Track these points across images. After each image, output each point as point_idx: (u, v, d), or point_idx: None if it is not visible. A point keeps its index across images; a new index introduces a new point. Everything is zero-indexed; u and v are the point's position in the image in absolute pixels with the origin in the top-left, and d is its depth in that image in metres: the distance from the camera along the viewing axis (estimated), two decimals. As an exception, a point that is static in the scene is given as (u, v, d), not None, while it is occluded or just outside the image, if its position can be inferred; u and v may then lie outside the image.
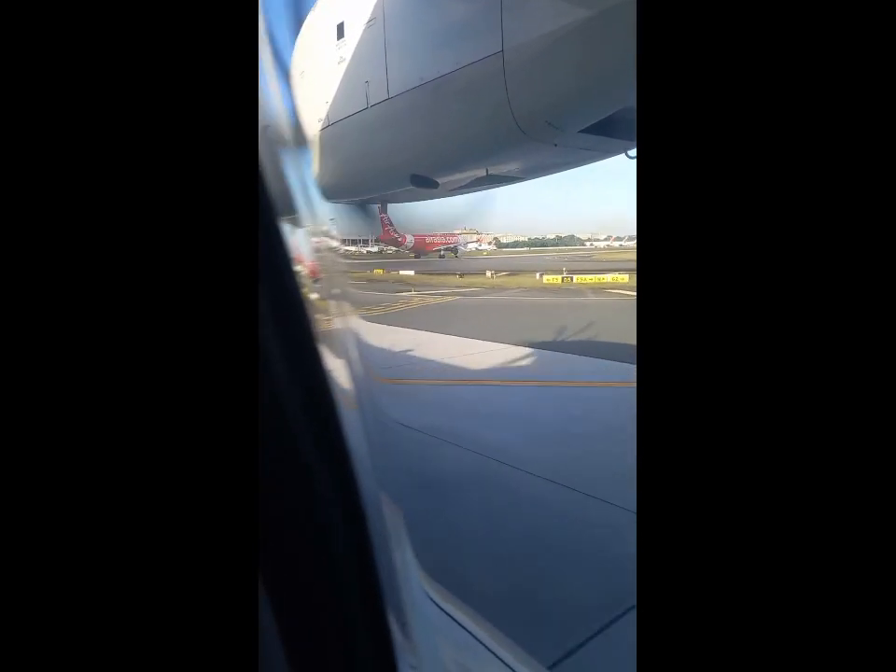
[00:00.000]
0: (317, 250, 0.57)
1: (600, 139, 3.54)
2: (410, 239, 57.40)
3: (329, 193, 4.92)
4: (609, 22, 2.84)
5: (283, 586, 0.51)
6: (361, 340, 0.62)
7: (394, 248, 60.46)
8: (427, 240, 59.40)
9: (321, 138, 4.42)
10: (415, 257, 57.30)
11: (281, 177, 0.53)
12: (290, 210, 0.53)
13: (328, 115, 4.28)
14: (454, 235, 63.04)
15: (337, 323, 0.57)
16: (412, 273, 33.49)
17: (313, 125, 4.46)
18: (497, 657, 0.85)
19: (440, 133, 3.81)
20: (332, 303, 0.57)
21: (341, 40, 4.07)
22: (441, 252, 59.17)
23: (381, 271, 35.52)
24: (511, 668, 0.84)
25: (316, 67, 4.36)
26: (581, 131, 3.41)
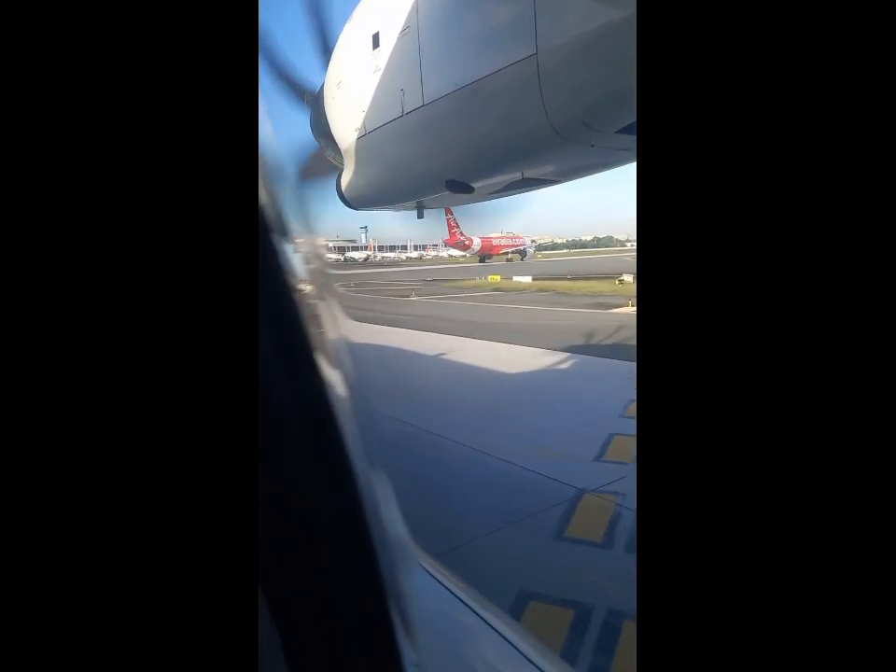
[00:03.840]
0: (308, 261, 0.58)
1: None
2: (476, 242, 56.56)
3: (366, 201, 5.00)
4: None
5: (281, 584, 0.51)
6: (353, 347, 0.64)
7: (461, 252, 59.47)
8: (494, 242, 58.40)
9: (358, 147, 4.50)
10: (480, 261, 56.21)
11: (273, 193, 0.54)
12: (284, 226, 0.54)
13: (364, 124, 4.35)
14: (519, 237, 61.83)
15: (330, 333, 0.58)
16: (529, 279, 28.67)
17: (350, 135, 4.54)
18: (509, 641, 0.83)
19: (475, 138, 3.82)
20: (325, 313, 0.58)
21: (376, 50, 4.13)
22: (509, 255, 58.01)
23: (497, 277, 31.21)
24: (520, 652, 0.82)
25: (353, 77, 4.44)
26: (618, 131, 3.36)
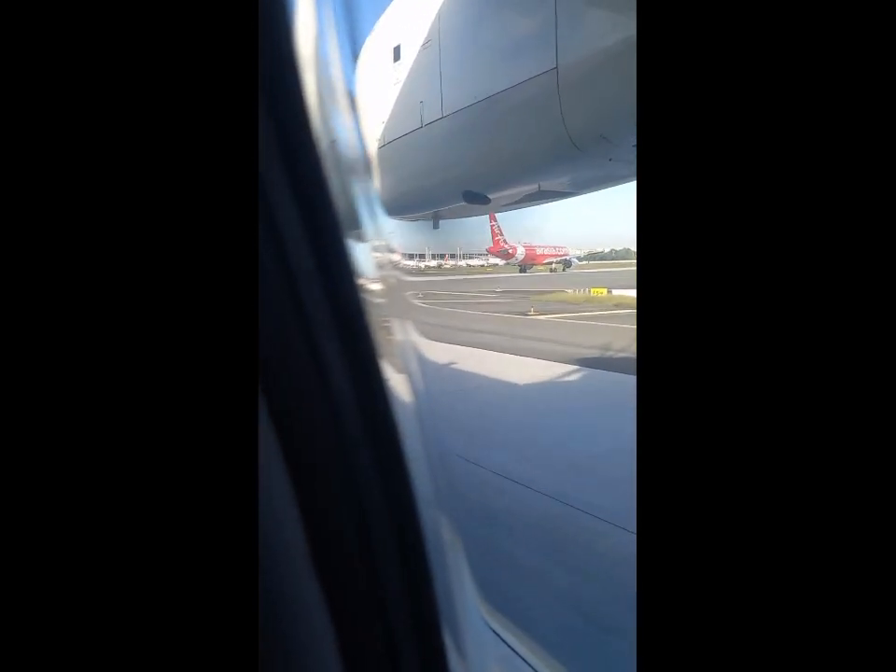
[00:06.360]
0: (380, 266, 0.57)
1: None
2: (521, 251, 55.05)
3: (384, 210, 5.04)
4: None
5: (341, 609, 0.51)
6: (422, 356, 0.62)
7: (504, 261, 57.29)
8: (538, 251, 57.00)
9: (377, 157, 4.54)
10: (521, 270, 54.51)
11: (346, 192, 0.54)
12: (355, 225, 0.54)
13: (383, 134, 4.39)
14: (562, 247, 60.07)
15: (399, 339, 0.57)
16: (631, 293, 24.13)
17: (370, 145, 4.59)
18: None
19: (493, 150, 3.83)
20: (396, 321, 0.57)
21: (397, 62, 4.18)
22: (553, 265, 56.48)
23: (603, 290, 26.40)
24: None
25: (374, 89, 4.49)
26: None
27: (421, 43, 3.94)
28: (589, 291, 26.31)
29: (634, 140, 3.34)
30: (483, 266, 61.16)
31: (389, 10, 4.39)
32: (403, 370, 0.55)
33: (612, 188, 4.45)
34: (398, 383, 0.53)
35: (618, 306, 20.22)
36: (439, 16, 3.80)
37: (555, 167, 3.79)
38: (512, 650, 0.93)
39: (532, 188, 4.10)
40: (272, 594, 0.45)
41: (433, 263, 67.14)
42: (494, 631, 0.92)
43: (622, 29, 2.88)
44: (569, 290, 27.47)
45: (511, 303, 22.94)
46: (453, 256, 71.57)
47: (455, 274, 55.14)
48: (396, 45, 4.20)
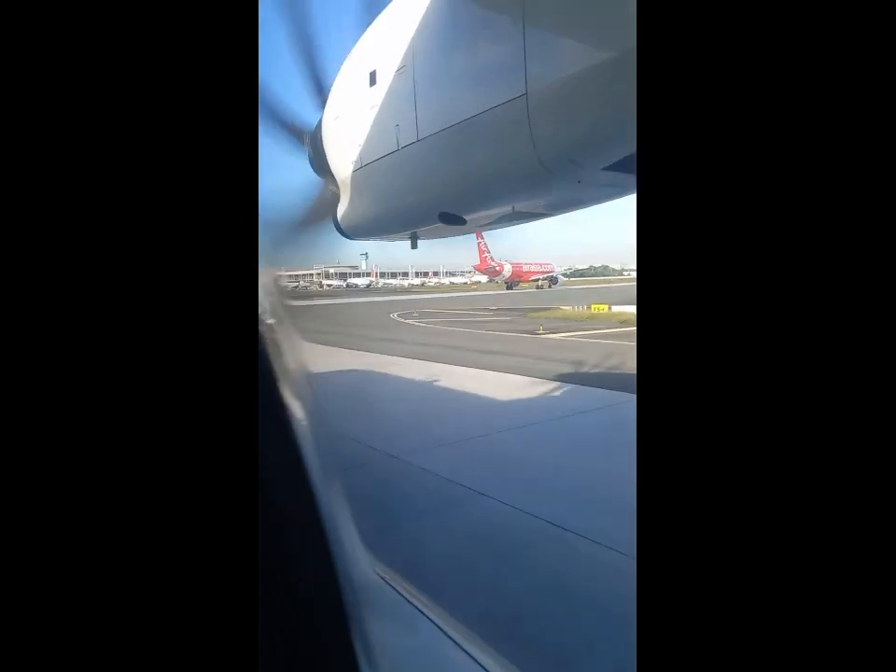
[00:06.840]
0: (269, 292, 0.59)
1: (624, 176, 3.56)
2: (507, 268, 55.50)
3: (361, 231, 5.07)
4: (632, 63, 2.88)
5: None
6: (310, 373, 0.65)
7: (490, 278, 57.44)
8: (524, 268, 57.15)
9: (354, 179, 4.59)
10: (507, 287, 54.59)
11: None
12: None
13: (360, 157, 4.45)
14: (548, 264, 60.13)
15: (289, 359, 0.60)
16: (632, 309, 21.25)
17: (346, 167, 4.64)
18: (469, 655, 0.83)
19: (467, 172, 3.90)
20: (284, 343, 0.61)
21: (373, 87, 4.26)
22: (539, 282, 56.68)
23: (605, 307, 25.59)
24: (481, 666, 0.82)
25: (350, 112, 4.56)
26: (604, 168, 3.44)
27: (396, 69, 4.02)
28: (590, 308, 25.99)
29: (601, 164, 3.43)
30: (465, 284, 61.34)
31: (364, 37, 4.48)
32: (297, 388, 0.58)
33: (586, 209, 4.55)
34: (291, 398, 0.57)
35: (624, 323, 19.59)
36: (412, 42, 3.88)
37: (527, 190, 3.87)
38: (419, 611, 0.93)
39: (506, 209, 4.17)
40: None
41: (417, 281, 67.23)
42: (398, 591, 0.93)
43: (586, 58, 2.98)
44: (565, 307, 27.27)
45: (512, 321, 22.40)
46: (436, 273, 71.71)
47: (440, 292, 55.01)
48: (371, 70, 4.28)
